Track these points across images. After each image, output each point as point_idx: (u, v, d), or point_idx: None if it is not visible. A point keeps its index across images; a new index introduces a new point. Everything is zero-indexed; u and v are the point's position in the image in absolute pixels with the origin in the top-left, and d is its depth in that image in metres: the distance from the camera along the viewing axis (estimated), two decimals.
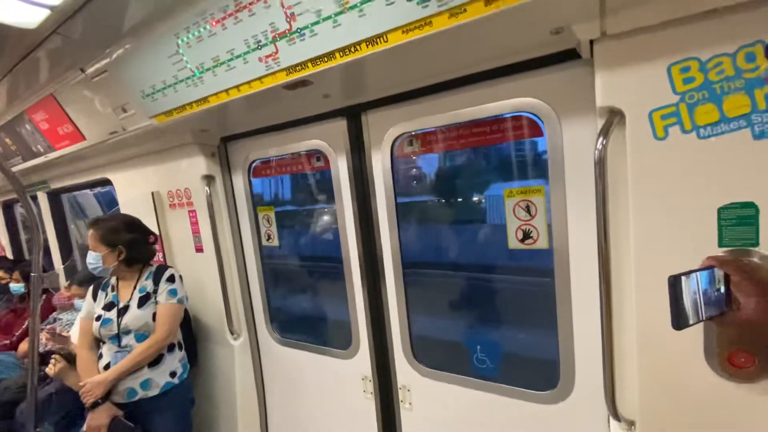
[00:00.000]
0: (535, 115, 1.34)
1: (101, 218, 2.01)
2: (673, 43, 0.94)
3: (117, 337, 1.85)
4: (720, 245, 0.94)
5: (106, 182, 2.76)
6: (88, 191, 4.00)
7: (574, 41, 1.14)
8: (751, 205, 0.90)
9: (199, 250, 2.27)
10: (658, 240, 1.01)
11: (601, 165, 1.06)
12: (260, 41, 1.30)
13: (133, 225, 2.00)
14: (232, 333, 2.23)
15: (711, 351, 0.97)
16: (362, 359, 1.94)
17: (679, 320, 0.68)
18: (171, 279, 1.95)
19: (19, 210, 4.36)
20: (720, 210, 0.93)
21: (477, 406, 1.63)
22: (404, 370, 1.82)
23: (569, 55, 1.21)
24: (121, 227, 1.95)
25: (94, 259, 1.88)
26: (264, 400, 2.40)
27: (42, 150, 2.67)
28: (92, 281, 2.10)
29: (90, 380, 1.77)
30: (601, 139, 1.04)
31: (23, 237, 4.46)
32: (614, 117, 1.03)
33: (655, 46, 0.95)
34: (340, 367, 2.02)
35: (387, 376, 1.89)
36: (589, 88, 1.12)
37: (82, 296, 2.34)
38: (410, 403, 1.83)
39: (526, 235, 1.43)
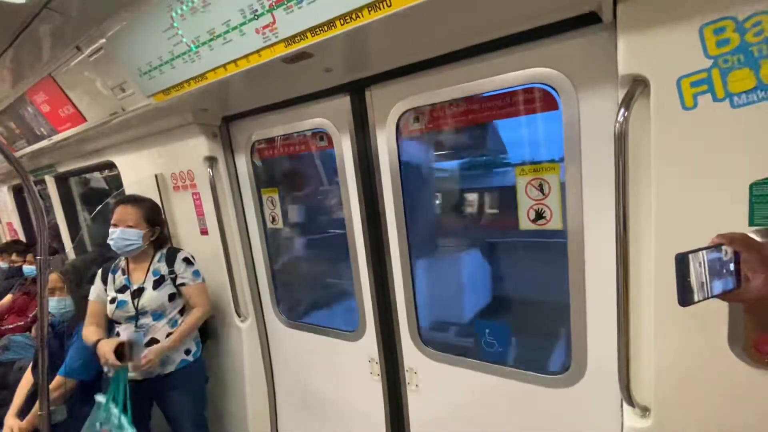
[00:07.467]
0: (550, 86, 1.26)
1: (137, 197, 2.02)
2: (706, 1, 0.85)
3: (134, 318, 1.88)
4: (751, 224, 0.87)
5: (111, 165, 2.74)
6: (97, 174, 4.00)
7: (594, 3, 1.04)
8: None
9: (204, 232, 2.25)
10: (681, 219, 0.95)
11: (621, 139, 0.99)
12: (256, 10, 1.22)
13: (160, 209, 2.09)
14: (239, 315, 2.23)
15: (736, 336, 0.92)
16: (369, 341, 1.92)
17: (685, 297, 0.68)
18: (188, 261, 1.99)
19: None
20: (752, 186, 0.86)
21: (485, 388, 1.61)
22: (411, 352, 1.80)
23: (588, 20, 1.11)
24: (158, 208, 2.03)
25: (135, 236, 1.86)
26: (273, 382, 2.42)
27: (45, 133, 2.64)
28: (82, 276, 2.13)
29: (150, 349, 1.80)
30: (622, 111, 0.97)
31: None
32: (637, 86, 0.95)
33: (686, 5, 0.86)
34: (346, 349, 2.01)
35: (394, 358, 1.87)
36: (610, 55, 1.03)
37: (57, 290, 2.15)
38: (417, 385, 1.81)
39: (539, 215, 1.37)
